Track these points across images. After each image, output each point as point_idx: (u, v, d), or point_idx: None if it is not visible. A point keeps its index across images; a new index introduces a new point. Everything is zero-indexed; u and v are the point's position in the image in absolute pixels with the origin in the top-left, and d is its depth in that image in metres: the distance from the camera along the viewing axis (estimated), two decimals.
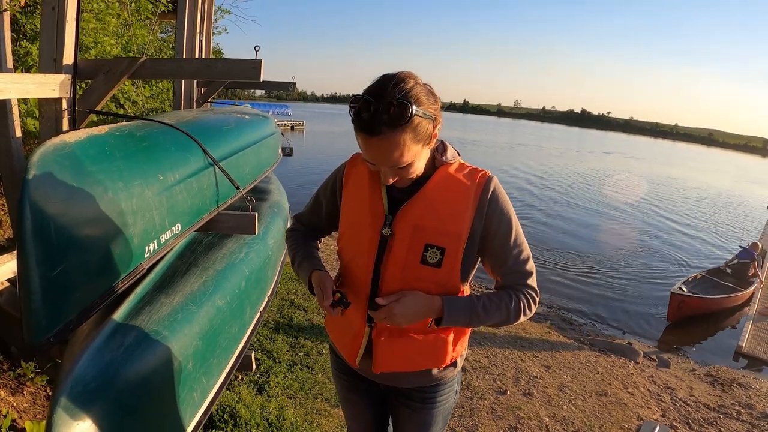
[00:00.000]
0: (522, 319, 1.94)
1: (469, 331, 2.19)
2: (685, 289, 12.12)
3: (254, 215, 3.12)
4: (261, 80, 3.23)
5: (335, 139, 57.52)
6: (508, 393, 5.71)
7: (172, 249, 2.78)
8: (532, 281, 1.95)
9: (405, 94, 1.63)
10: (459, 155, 2.01)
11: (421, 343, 2.00)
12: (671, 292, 11.77)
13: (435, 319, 1.90)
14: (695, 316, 11.90)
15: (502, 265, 1.93)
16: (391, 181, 1.79)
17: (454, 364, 2.15)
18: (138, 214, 2.24)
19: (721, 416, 6.54)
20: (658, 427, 5.57)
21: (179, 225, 2.62)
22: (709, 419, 6.35)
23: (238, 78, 3.31)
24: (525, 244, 1.94)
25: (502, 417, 5.18)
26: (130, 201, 2.19)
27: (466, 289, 2.06)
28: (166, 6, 8.14)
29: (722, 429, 6.17)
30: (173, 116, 3.54)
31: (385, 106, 1.60)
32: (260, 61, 3.20)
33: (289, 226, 2.44)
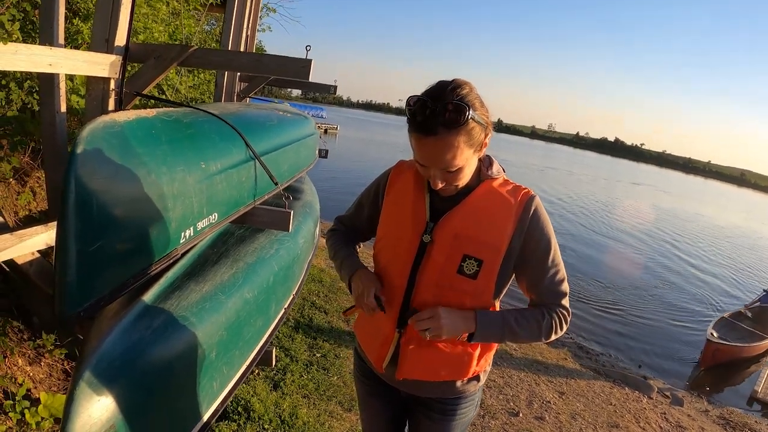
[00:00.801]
0: (553, 337, 1.95)
1: (495, 346, 2.19)
2: (716, 335, 11.95)
3: (290, 212, 3.13)
4: (309, 80, 3.26)
5: (368, 146, 57.66)
6: (521, 415, 5.68)
7: (205, 237, 2.80)
8: (566, 302, 1.96)
9: (462, 97, 1.65)
10: (504, 171, 2.01)
11: (448, 355, 2.00)
12: (707, 340, 11.59)
13: (468, 334, 1.90)
14: (726, 363, 11.76)
15: (538, 284, 1.93)
16: (440, 185, 1.80)
17: (477, 378, 2.15)
18: (178, 200, 2.26)
19: None
20: None
21: (216, 215, 2.63)
22: None
23: (287, 76, 3.34)
24: (561, 265, 1.95)
25: None
26: (172, 186, 2.21)
27: (497, 306, 2.06)
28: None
29: None
30: (217, 107, 3.56)
31: (442, 108, 1.62)
32: (310, 60, 3.23)
33: (331, 226, 2.46)
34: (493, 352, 2.20)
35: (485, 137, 1.79)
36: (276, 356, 4.95)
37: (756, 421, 8.54)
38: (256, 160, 3.05)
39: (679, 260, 23.49)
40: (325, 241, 2.45)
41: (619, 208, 39.68)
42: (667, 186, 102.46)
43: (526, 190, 1.92)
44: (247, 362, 3.10)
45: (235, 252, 3.18)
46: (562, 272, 1.95)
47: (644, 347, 11.94)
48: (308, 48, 4.62)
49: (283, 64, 3.36)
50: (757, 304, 14.53)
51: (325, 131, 60.19)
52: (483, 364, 2.13)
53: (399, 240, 1.99)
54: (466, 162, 1.76)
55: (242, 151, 2.92)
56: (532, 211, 1.87)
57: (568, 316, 1.96)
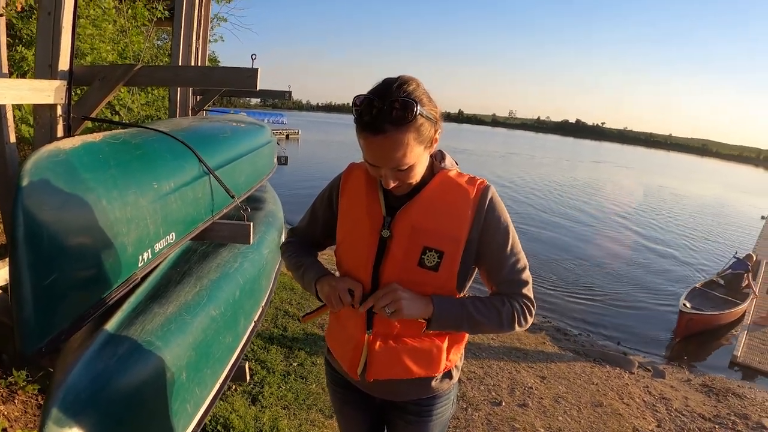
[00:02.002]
0: (517, 328, 1.90)
1: (464, 340, 2.16)
2: (689, 305, 12.09)
3: (249, 224, 3.11)
4: (257, 89, 3.23)
5: (330, 148, 57.74)
6: (503, 404, 5.69)
7: (166, 258, 2.76)
8: (528, 291, 1.92)
9: (409, 94, 1.63)
10: (457, 164, 2.00)
11: (416, 350, 1.97)
12: (680, 311, 11.75)
13: (426, 320, 1.86)
14: (701, 332, 11.89)
15: (498, 274, 1.90)
16: (392, 184, 1.77)
17: (449, 375, 2.12)
18: (132, 223, 2.22)
19: (717, 426, 6.55)
20: None
21: (173, 234, 2.60)
22: (704, 430, 6.36)
23: (235, 87, 3.30)
24: (522, 254, 1.92)
25: (497, 428, 5.16)
26: (125, 209, 2.17)
27: None
28: (162, 13, 8.15)
29: None
30: (169, 124, 3.52)
31: (389, 105, 1.60)
32: (256, 69, 3.19)
33: (285, 239, 2.40)
34: (463, 345, 2.17)
35: (435, 132, 1.77)
36: (252, 369, 4.91)
37: (738, 385, 8.67)
38: (211, 175, 3.02)
39: (644, 235, 23.70)
40: (281, 254, 2.40)
41: (581, 189, 39.88)
42: (630, 162, 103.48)
43: (481, 180, 1.90)
44: (220, 380, 3.06)
45: (198, 270, 3.14)
46: (523, 261, 1.92)
47: (621, 324, 12.06)
48: (254, 57, 4.58)
49: (230, 75, 3.32)
50: (729, 271, 14.69)
51: (287, 136, 60.25)
52: (453, 358, 2.10)
53: (359, 239, 1.96)
54: (417, 159, 1.73)
55: (195, 167, 2.89)
56: (488, 201, 1.85)
57: (532, 306, 1.92)
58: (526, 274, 1.92)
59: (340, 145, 60.36)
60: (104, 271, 2.07)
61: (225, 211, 3.30)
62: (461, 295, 1.99)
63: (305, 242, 2.34)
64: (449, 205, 1.85)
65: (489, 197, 1.85)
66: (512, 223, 1.91)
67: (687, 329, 11.59)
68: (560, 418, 5.69)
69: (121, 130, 2.73)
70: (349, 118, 1.75)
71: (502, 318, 1.87)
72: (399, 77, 1.69)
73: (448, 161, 1.97)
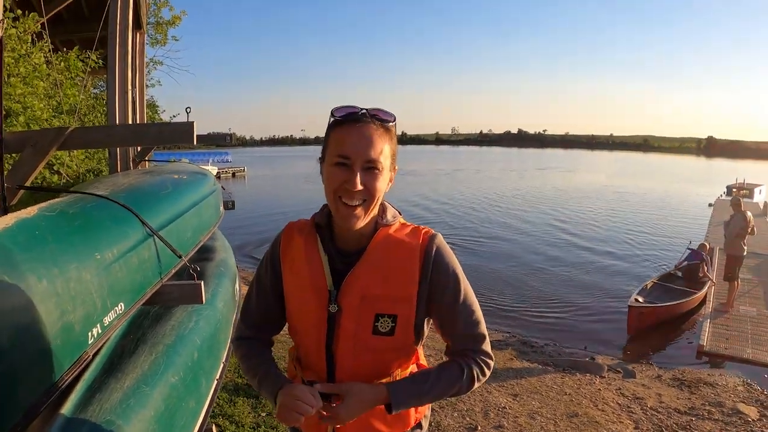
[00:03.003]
0: (476, 386, 1.87)
1: None
2: (641, 300, 12.21)
3: (200, 284, 3.00)
4: (195, 142, 3.14)
5: (276, 181, 57.65)
6: (479, 428, 5.61)
7: (116, 329, 2.63)
8: (486, 345, 1.87)
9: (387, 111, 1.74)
10: (400, 214, 1.94)
11: (382, 412, 1.86)
12: (629, 306, 11.81)
13: (386, 406, 1.79)
14: (655, 325, 11.99)
15: (452, 329, 1.86)
16: (358, 186, 1.66)
17: (419, 426, 2.05)
18: (77, 300, 2.12)
19: (693, 419, 6.60)
20: None
21: (122, 304, 2.49)
22: (681, 424, 6.39)
23: (171, 142, 3.23)
24: (476, 305, 1.87)
25: None
26: (68, 286, 2.07)
27: (420, 351, 2.01)
28: (96, 62, 8.00)
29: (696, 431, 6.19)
30: (108, 184, 3.40)
31: (373, 110, 1.70)
32: (192, 123, 3.11)
33: (234, 333, 2.23)
34: None
35: (394, 171, 1.80)
36: (220, 426, 4.76)
37: (709, 374, 8.81)
38: (155, 236, 2.92)
39: (593, 244, 23.58)
40: (234, 351, 2.21)
41: (526, 199, 40.09)
42: (574, 165, 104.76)
43: (426, 230, 1.85)
44: None
45: (152, 335, 3.02)
46: (477, 313, 1.87)
47: (585, 330, 12.18)
48: (188, 110, 4.49)
49: (165, 130, 3.23)
50: (685, 263, 14.88)
51: (233, 175, 60.10)
52: (422, 409, 2.04)
53: (306, 314, 1.88)
54: (385, 167, 1.71)
55: (139, 229, 2.81)
56: (434, 252, 1.79)
57: (490, 360, 1.88)
58: (482, 327, 1.88)
59: (286, 178, 60.38)
60: (53, 355, 1.96)
61: (173, 271, 3.19)
62: (420, 346, 1.97)
63: (260, 333, 2.13)
64: (394, 263, 1.79)
65: (434, 248, 1.80)
66: (463, 272, 1.85)
67: (639, 323, 11.75)
68: None
69: (58, 199, 2.65)
70: (294, 150, 1.71)
71: (462, 385, 1.83)
72: None
73: (390, 213, 1.90)
